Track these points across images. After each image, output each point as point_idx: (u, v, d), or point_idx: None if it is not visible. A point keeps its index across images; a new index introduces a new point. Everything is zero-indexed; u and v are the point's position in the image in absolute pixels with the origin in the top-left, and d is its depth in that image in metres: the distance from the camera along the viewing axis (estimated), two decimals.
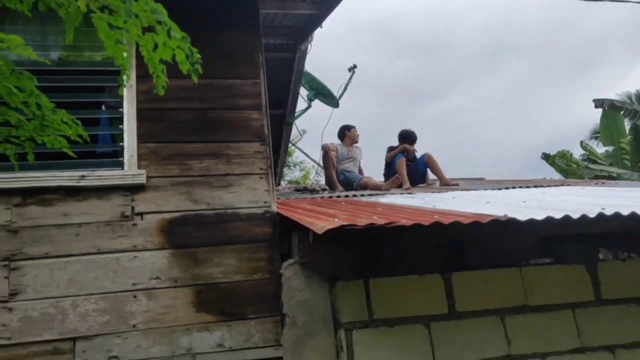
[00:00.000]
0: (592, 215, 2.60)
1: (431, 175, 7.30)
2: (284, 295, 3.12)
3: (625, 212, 2.78)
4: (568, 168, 12.91)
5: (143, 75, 3.29)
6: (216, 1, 3.54)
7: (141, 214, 3.07)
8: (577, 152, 15.39)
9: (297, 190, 7.00)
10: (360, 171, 7.45)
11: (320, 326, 3.11)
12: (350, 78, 7.44)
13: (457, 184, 6.60)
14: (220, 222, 3.17)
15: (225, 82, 3.43)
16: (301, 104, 8.07)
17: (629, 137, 12.93)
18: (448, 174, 7.15)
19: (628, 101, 12.04)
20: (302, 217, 2.90)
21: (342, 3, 4.68)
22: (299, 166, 17.40)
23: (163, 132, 3.25)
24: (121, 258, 2.98)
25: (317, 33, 6.17)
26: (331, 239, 2.49)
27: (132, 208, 3.07)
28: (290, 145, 12.48)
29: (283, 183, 9.56)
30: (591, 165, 12.78)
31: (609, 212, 2.75)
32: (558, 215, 2.57)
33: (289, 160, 18.73)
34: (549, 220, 2.54)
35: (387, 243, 3.42)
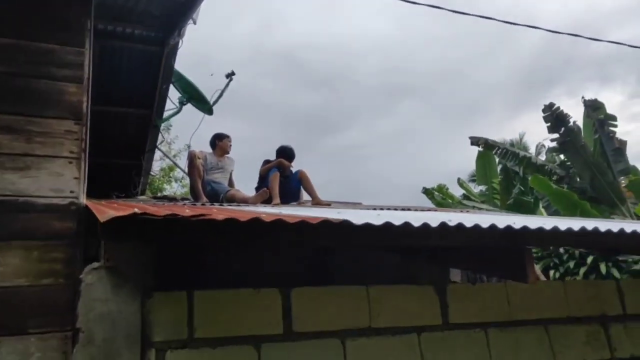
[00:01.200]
0: (433, 224, 2.33)
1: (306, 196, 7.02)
2: (81, 306, 2.54)
3: (468, 224, 2.56)
4: (444, 202, 13.32)
5: None
6: None
7: None
8: (458, 192, 16.02)
9: (155, 198, 6.38)
10: (231, 183, 6.98)
11: (123, 345, 2.56)
12: (227, 85, 7.00)
13: (329, 204, 6.34)
14: (7, 212, 2.54)
15: (41, 45, 2.84)
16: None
17: (500, 177, 13.62)
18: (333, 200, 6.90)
19: (500, 142, 12.69)
20: (100, 208, 2.37)
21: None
22: (181, 182, 16.50)
23: None
24: None
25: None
26: (135, 236, 2.00)
27: None
28: (164, 157, 11.74)
29: (149, 193, 8.80)
30: (464, 201, 13.27)
31: (452, 223, 2.52)
32: (398, 222, 2.27)
33: (172, 175, 17.77)
34: (388, 225, 2.23)
35: (221, 249, 2.98)
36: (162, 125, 14.75)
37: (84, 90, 2.86)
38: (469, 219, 2.81)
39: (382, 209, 6.05)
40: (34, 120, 2.71)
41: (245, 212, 2.52)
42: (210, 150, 6.89)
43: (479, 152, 13.86)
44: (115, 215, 1.83)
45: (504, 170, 13.36)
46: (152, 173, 11.20)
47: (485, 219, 2.95)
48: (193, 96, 6.92)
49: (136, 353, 2.57)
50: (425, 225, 2.31)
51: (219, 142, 6.71)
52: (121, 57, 5.95)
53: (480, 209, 12.04)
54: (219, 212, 2.27)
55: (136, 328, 2.61)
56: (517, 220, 2.93)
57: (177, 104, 6.96)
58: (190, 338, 2.73)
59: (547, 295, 3.57)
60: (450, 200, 13.52)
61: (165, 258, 2.85)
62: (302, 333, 2.93)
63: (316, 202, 6.44)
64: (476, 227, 2.41)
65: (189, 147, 8.37)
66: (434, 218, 2.65)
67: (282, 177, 6.84)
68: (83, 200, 2.71)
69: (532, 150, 20.68)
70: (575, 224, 2.87)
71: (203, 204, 5.46)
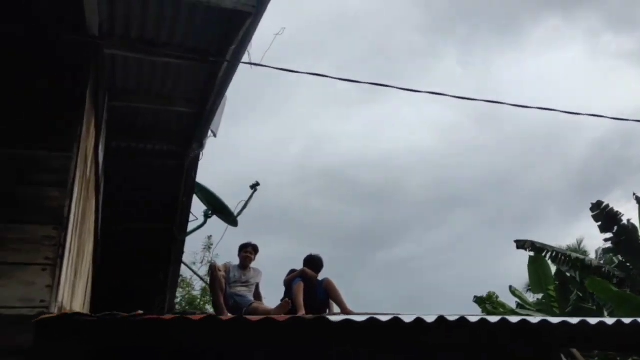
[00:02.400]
0: (428, 320, 1.99)
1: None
2: None
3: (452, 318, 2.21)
4: (495, 311, 12.39)
5: None
6: (39, 60, 3.06)
7: None
8: (512, 300, 14.94)
9: (177, 314, 6.12)
10: (258, 296, 6.66)
11: None
12: (252, 195, 6.97)
13: (358, 314, 5.90)
14: None
15: (27, 153, 2.82)
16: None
17: (555, 283, 12.71)
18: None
19: (549, 245, 11.96)
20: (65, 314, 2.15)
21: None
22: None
23: None
24: None
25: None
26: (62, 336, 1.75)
27: None
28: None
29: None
30: (518, 310, 12.34)
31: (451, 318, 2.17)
32: (385, 318, 1.95)
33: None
34: (372, 321, 1.91)
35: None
36: (205, 242, 14.79)
37: (67, 196, 2.77)
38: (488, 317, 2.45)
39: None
40: (11, 226, 2.61)
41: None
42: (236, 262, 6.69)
43: (530, 257, 13.04)
44: (44, 317, 1.61)
45: (558, 275, 12.47)
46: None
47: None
48: (217, 209, 6.88)
49: None
50: (418, 321, 1.97)
51: (239, 254, 6.53)
52: (142, 173, 6.04)
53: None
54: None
55: None
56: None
57: (203, 217, 6.92)
58: None
59: None
60: (501, 309, 12.57)
61: None
62: None
63: (345, 312, 6.01)
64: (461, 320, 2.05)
65: (210, 260, 8.24)
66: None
67: (308, 287, 6.49)
68: (54, 309, 2.50)
69: (592, 255, 19.44)
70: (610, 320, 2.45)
71: None
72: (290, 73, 3.35)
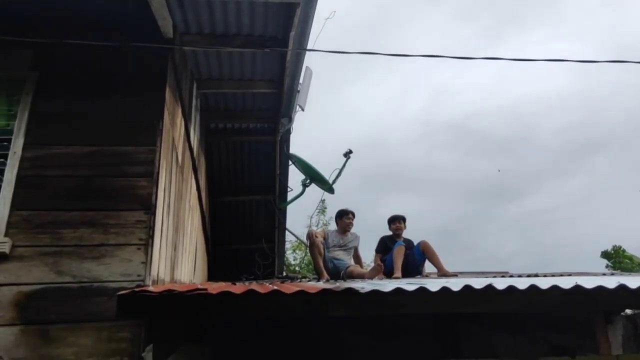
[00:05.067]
0: (455, 288, 2.11)
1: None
2: None
3: (521, 286, 2.28)
4: (620, 265, 11.63)
5: (31, 142, 3.25)
6: (120, 66, 3.51)
7: None
8: None
9: (278, 278, 6.61)
10: (357, 258, 6.98)
11: None
12: (345, 163, 7.18)
13: (456, 275, 5.97)
14: (84, 296, 2.88)
15: (118, 149, 3.29)
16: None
17: None
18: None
19: None
20: (149, 290, 2.56)
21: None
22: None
23: (42, 200, 3.10)
24: None
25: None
26: (137, 311, 2.14)
27: None
28: None
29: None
30: None
31: (499, 286, 2.26)
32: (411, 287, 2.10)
33: None
34: (399, 290, 2.07)
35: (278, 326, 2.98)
36: (319, 208, 15.45)
37: (153, 184, 3.20)
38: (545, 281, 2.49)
39: (511, 276, 5.57)
40: (110, 213, 3.10)
41: (266, 287, 2.53)
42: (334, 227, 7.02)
43: None
44: (122, 293, 1.99)
45: None
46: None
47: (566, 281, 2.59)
48: (315, 177, 7.21)
49: None
50: (445, 290, 2.10)
51: (339, 220, 6.82)
52: (242, 150, 6.53)
53: None
54: (238, 288, 2.32)
55: None
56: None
57: (301, 186, 7.29)
58: None
59: None
60: (628, 261, 11.76)
61: (224, 337, 2.94)
62: None
63: (442, 274, 6.11)
64: (511, 288, 2.12)
65: (325, 223, 8.61)
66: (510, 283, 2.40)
67: (407, 249, 6.64)
68: (149, 282, 2.97)
69: None
70: None
71: (327, 281, 5.53)
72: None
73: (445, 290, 2.10)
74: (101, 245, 3.03)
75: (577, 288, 2.36)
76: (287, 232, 7.83)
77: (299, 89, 5.68)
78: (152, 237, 3.08)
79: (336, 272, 6.39)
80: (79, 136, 3.29)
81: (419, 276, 6.47)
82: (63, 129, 3.30)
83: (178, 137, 4.08)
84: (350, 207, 6.91)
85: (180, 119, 4.15)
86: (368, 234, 7.26)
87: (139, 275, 2.96)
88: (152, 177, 3.24)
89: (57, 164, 3.21)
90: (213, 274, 6.80)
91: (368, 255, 8.71)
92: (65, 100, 3.38)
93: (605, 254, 13.64)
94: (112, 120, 3.36)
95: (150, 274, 3.02)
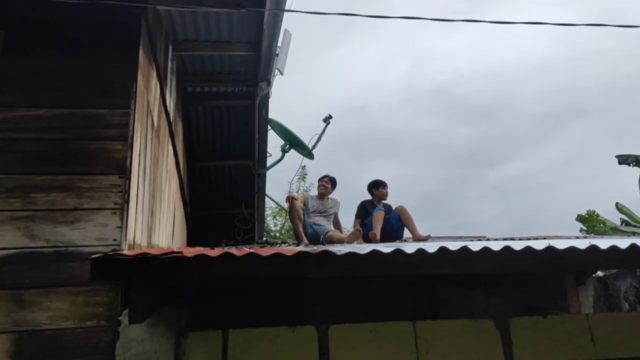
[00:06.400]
0: (431, 250, 2.12)
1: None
2: (119, 347, 2.72)
3: (496, 247, 2.30)
4: (593, 229, 11.90)
5: None
6: (91, 26, 3.38)
7: None
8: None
9: (257, 243, 6.64)
10: (337, 224, 7.03)
11: None
12: (325, 128, 7.16)
13: (428, 237, 6.06)
14: (59, 261, 2.84)
15: (91, 111, 3.19)
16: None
17: None
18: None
19: None
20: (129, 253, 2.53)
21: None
22: None
23: (11, 164, 3.01)
24: None
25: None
26: (112, 275, 2.12)
27: None
28: None
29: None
30: (622, 227, 11.74)
31: (474, 247, 2.28)
32: (387, 250, 2.11)
33: None
34: (375, 253, 2.08)
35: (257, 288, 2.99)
36: (299, 174, 15.44)
37: (128, 147, 3.14)
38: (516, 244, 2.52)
39: (487, 239, 5.65)
40: (84, 177, 3.04)
41: (243, 250, 2.53)
42: (313, 193, 7.05)
43: None
44: (94, 257, 1.96)
45: None
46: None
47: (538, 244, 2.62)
48: (294, 143, 7.17)
49: None
50: (420, 252, 2.11)
51: (318, 184, 6.85)
52: (220, 115, 6.44)
53: None
54: (213, 251, 2.31)
55: None
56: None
57: (281, 151, 7.26)
58: None
59: None
60: (602, 225, 12.03)
61: (201, 299, 2.94)
62: None
63: (416, 238, 6.19)
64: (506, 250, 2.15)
65: (306, 189, 8.62)
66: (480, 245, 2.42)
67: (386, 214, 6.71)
68: (125, 246, 2.94)
69: None
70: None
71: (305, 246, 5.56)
72: None
73: (421, 252, 2.11)
74: (75, 209, 2.97)
75: (550, 249, 2.39)
76: (267, 198, 7.82)
77: (277, 52, 5.59)
78: (127, 201, 3.03)
79: (316, 238, 6.44)
80: (49, 98, 3.19)
81: (398, 241, 6.56)
82: (32, 91, 3.19)
83: (153, 100, 3.99)
84: (331, 174, 6.94)
85: (155, 82, 4.05)
86: (349, 201, 7.31)
87: (114, 240, 2.93)
88: (126, 140, 3.16)
89: (27, 126, 3.11)
90: (192, 240, 6.78)
91: (349, 222, 8.78)
92: (34, 60, 3.25)
93: (580, 218, 13.93)
94: (83, 82, 3.25)
95: (126, 239, 2.99)
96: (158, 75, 4.11)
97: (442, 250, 2.12)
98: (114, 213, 2.99)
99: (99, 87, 3.26)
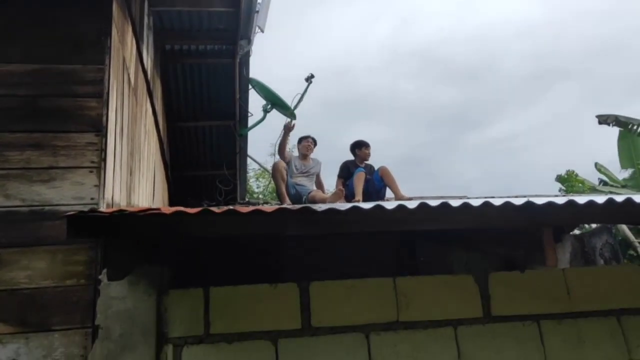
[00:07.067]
0: (411, 206, 2.12)
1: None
2: (100, 304, 2.71)
3: (476, 203, 2.31)
4: (571, 189, 12.08)
5: None
6: None
7: None
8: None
9: (240, 204, 6.62)
10: (319, 185, 7.03)
11: (140, 340, 2.68)
12: (307, 88, 7.04)
13: (410, 199, 6.10)
14: (35, 220, 2.80)
15: (64, 67, 3.09)
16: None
17: None
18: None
19: (635, 118, 11.17)
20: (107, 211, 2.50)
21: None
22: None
23: None
24: None
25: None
26: (90, 232, 2.09)
27: None
28: None
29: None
30: (600, 187, 11.93)
31: (455, 204, 2.29)
32: (367, 206, 2.11)
33: None
34: (355, 209, 2.07)
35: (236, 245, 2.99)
36: (281, 135, 15.39)
37: (103, 104, 3.06)
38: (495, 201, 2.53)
39: (468, 199, 5.70)
40: (59, 135, 2.97)
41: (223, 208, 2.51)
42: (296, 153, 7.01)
43: (621, 132, 12.31)
44: (70, 214, 1.92)
45: None
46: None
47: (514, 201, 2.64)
48: (276, 102, 7.07)
49: (151, 346, 2.68)
50: (401, 208, 2.11)
51: (299, 145, 6.82)
52: (200, 74, 6.31)
53: (619, 194, 10.74)
54: (193, 209, 2.29)
55: (151, 324, 2.71)
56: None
57: (262, 111, 7.16)
58: (206, 334, 2.79)
59: (619, 281, 3.07)
60: (580, 185, 12.21)
61: (183, 258, 2.94)
62: (320, 328, 2.84)
63: (398, 198, 6.22)
64: (485, 206, 2.15)
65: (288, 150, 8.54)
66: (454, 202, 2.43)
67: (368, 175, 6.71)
68: (103, 205, 2.90)
69: None
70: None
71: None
72: None
73: (401, 207, 2.11)
74: (50, 168, 2.91)
75: (528, 204, 2.42)
76: (249, 160, 7.76)
77: (257, 8, 5.45)
78: (104, 159, 2.98)
79: (298, 198, 6.43)
80: (19, 53, 3.08)
81: (380, 201, 6.59)
82: (0, 45, 3.07)
83: (129, 57, 3.87)
84: (313, 135, 6.90)
85: (131, 38, 3.93)
86: (332, 162, 7.30)
87: (92, 199, 2.88)
88: (101, 97, 3.08)
89: None
90: (174, 200, 6.73)
91: (331, 183, 8.79)
92: (0, 13, 3.12)
93: (559, 179, 14.09)
94: (55, 37, 3.13)
95: (104, 198, 2.94)
96: (134, 30, 3.99)
97: (423, 205, 2.12)
98: (90, 172, 2.94)
99: (71, 41, 3.15)
